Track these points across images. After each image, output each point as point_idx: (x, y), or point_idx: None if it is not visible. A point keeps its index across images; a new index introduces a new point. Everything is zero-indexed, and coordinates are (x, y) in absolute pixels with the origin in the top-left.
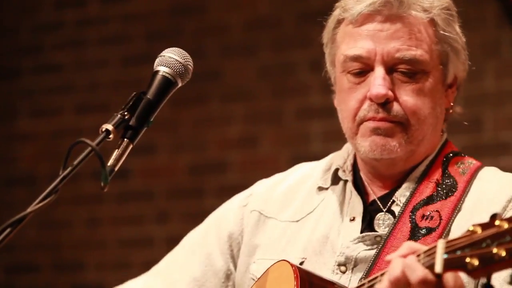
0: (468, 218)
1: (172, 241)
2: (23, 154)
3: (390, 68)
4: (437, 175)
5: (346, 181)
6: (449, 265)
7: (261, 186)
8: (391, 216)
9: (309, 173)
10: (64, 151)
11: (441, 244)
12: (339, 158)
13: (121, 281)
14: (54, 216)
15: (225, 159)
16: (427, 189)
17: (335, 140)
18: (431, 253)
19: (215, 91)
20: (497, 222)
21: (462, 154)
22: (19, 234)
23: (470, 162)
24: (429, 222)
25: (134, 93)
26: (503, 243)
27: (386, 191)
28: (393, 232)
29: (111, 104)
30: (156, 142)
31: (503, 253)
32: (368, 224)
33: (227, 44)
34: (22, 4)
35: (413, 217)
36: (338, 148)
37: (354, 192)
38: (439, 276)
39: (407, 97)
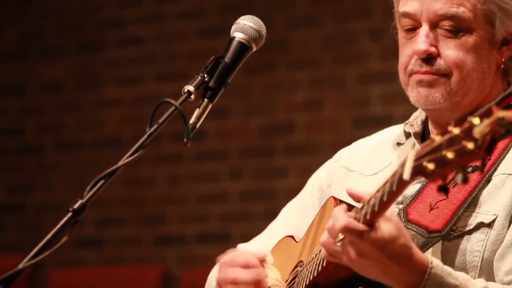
0: None
1: (245, 195)
2: (109, 119)
3: (435, 26)
4: None
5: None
6: (413, 171)
7: (352, 146)
8: None
9: (394, 132)
10: (146, 115)
11: (411, 154)
12: (413, 115)
13: (200, 232)
14: (139, 174)
15: (292, 121)
16: None
17: (394, 103)
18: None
19: (283, 60)
20: (449, 128)
21: None
22: (108, 190)
23: None
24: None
25: (213, 57)
26: (453, 146)
27: None
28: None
29: (188, 73)
30: (230, 106)
31: (451, 155)
32: None
33: (293, 16)
34: None
35: None
36: (396, 110)
37: (414, 141)
38: (372, 226)
39: (450, 51)
